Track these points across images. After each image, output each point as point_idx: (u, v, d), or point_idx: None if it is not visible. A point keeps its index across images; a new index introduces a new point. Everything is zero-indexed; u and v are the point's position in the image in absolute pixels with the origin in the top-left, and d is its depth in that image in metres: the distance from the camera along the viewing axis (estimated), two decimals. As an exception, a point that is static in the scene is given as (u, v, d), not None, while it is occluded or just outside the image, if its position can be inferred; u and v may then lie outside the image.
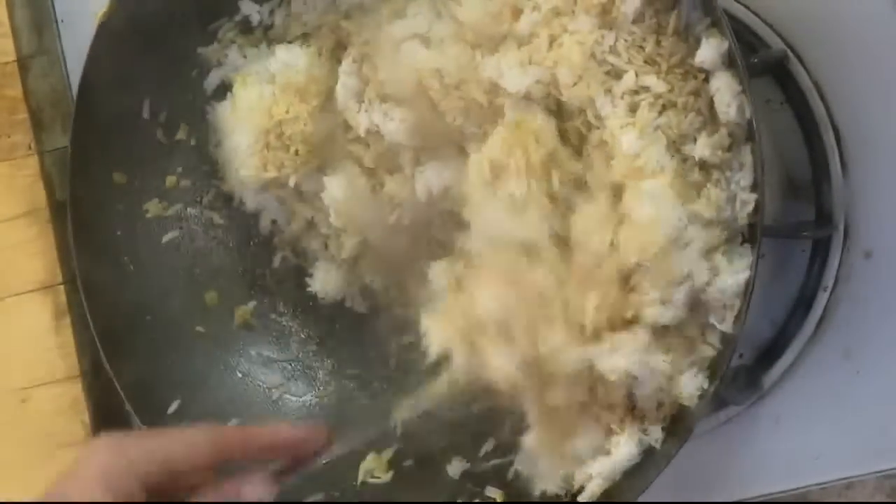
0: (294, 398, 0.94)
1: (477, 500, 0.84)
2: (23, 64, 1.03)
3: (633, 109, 0.75)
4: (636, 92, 0.75)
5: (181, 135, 0.95)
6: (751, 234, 0.73)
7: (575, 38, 0.76)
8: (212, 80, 0.94)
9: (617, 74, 0.75)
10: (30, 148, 1.02)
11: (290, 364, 0.95)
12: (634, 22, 0.75)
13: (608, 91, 0.75)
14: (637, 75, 0.75)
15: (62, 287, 1.01)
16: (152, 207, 0.93)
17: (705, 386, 0.74)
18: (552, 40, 0.77)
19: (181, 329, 0.92)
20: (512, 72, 0.78)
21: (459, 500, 0.84)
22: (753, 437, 0.89)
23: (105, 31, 0.87)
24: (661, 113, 0.74)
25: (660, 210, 0.71)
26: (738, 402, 0.87)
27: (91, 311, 0.88)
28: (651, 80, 0.74)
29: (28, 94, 1.03)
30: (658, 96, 0.74)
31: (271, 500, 0.65)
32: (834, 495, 0.88)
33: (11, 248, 1.01)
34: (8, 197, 1.02)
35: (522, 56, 0.78)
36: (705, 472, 0.89)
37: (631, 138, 0.73)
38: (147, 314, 0.91)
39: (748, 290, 0.71)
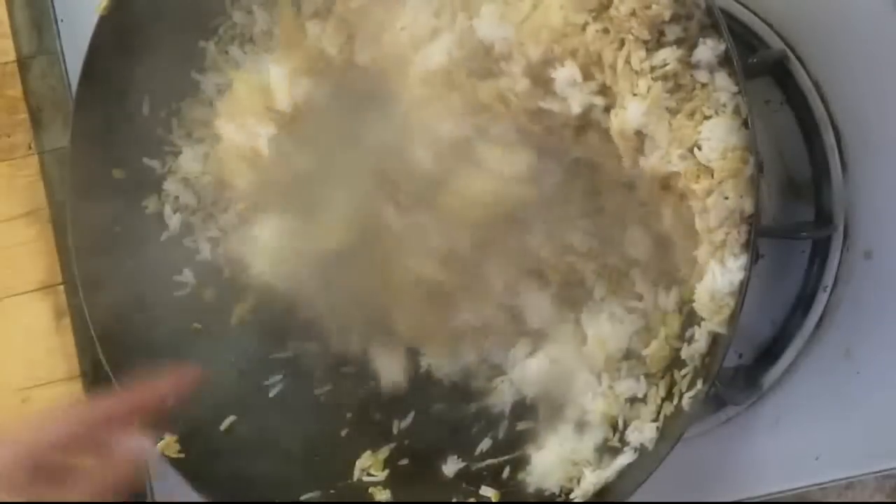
0: (292, 395, 0.94)
1: (472, 500, 0.84)
2: (23, 64, 1.03)
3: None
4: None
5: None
6: (746, 236, 0.72)
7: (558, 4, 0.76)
8: (213, 76, 0.94)
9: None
10: (30, 148, 1.02)
11: (289, 361, 0.95)
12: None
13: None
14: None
15: (62, 287, 1.01)
16: (152, 204, 0.93)
17: (699, 386, 0.74)
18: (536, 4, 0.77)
19: (179, 326, 0.92)
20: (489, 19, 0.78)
21: (454, 500, 0.84)
22: (753, 438, 0.89)
23: (105, 26, 0.87)
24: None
25: None
26: (738, 403, 0.87)
27: (90, 310, 0.88)
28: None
29: (28, 94, 1.02)
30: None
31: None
32: (834, 495, 0.88)
33: (11, 248, 1.01)
34: (8, 197, 1.01)
35: (502, 10, 0.78)
36: (705, 472, 0.89)
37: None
38: (146, 311, 0.91)
39: (742, 290, 0.71)
